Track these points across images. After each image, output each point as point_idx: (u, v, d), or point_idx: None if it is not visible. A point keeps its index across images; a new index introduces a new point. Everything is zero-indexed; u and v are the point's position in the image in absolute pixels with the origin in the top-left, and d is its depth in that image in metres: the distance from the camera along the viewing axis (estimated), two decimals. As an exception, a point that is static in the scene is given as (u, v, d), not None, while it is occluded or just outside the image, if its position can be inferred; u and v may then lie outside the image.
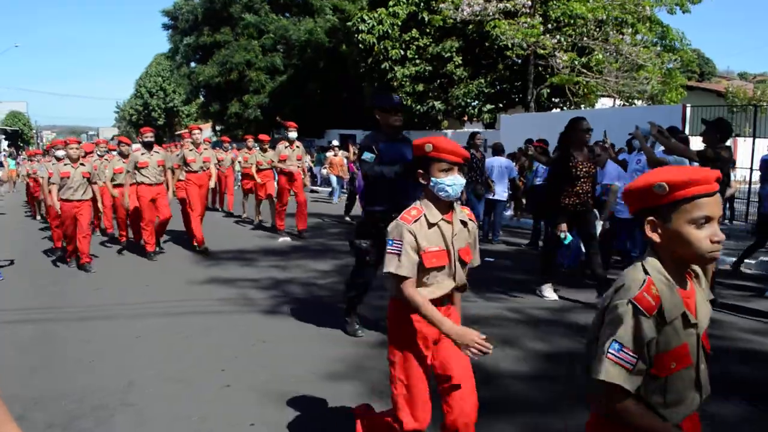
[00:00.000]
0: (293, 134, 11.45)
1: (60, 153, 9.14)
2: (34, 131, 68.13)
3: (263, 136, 13.78)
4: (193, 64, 34.56)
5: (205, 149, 10.74)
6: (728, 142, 6.84)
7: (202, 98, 36.32)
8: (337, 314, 6.39)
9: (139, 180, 9.50)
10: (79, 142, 10.10)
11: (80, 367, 4.99)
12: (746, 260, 8.64)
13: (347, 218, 14.10)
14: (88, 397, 4.35)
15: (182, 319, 6.31)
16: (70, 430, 3.87)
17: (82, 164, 8.95)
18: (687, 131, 12.41)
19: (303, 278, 8.08)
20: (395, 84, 20.92)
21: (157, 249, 10.00)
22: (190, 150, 10.36)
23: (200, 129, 10.38)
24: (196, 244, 10.18)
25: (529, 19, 17.69)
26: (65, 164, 8.81)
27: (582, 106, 20.24)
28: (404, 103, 20.50)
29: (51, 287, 8.02)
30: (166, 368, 4.95)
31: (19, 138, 55.76)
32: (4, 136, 51.23)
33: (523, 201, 14.07)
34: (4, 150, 18.07)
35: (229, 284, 7.54)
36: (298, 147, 11.65)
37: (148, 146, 9.68)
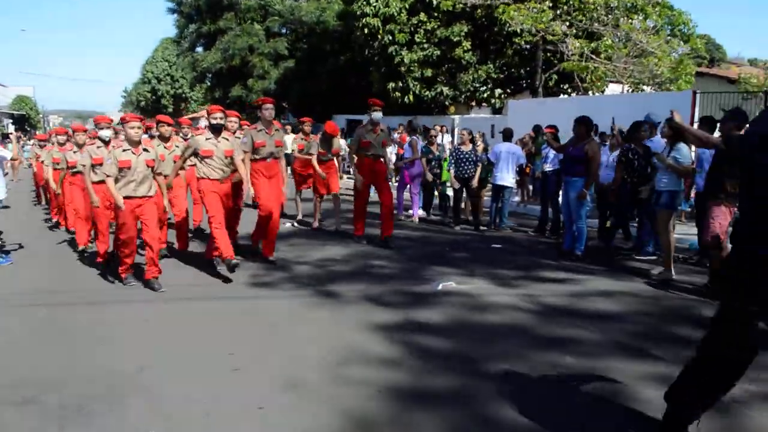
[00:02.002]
0: (378, 114, 9.20)
1: (106, 133, 7.99)
2: (41, 116, 68.15)
3: (307, 119, 11.60)
4: (199, 49, 34.47)
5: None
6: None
7: (208, 83, 36.26)
8: (346, 299, 6.43)
9: (204, 173, 7.42)
10: (86, 130, 9.65)
11: (91, 350, 5.03)
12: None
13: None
14: (100, 379, 4.39)
15: (192, 303, 6.35)
16: (82, 412, 3.91)
17: (145, 150, 7.03)
18: (696, 117, 12.34)
19: (314, 263, 8.09)
20: (402, 69, 20.82)
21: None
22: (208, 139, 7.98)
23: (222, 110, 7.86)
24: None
25: (538, 5, 17.57)
26: (124, 150, 6.87)
27: (590, 92, 20.15)
28: (413, 88, 20.49)
29: (60, 271, 8.06)
30: (177, 352, 4.98)
31: (25, 122, 55.81)
32: (11, 120, 51.30)
33: (530, 188, 14.05)
34: (12, 133, 17.98)
35: (239, 268, 7.55)
36: (383, 131, 9.48)
37: (217, 131, 7.49)
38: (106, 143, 7.91)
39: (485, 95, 21.45)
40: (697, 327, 5.62)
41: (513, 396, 4.11)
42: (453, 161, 10.93)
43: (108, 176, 6.79)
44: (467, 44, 20.18)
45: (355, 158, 9.90)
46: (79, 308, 6.25)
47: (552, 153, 9.82)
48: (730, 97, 14.62)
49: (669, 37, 18.38)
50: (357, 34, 22.02)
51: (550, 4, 17.92)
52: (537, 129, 13.21)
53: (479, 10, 19.70)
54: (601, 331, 5.45)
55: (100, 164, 7.37)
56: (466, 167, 10.70)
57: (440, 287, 6.85)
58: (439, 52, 20.59)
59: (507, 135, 11.42)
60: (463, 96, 21.61)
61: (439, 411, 3.90)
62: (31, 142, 25.44)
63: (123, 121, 7.01)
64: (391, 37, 20.70)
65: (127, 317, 5.96)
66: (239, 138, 8.28)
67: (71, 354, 4.96)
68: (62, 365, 4.71)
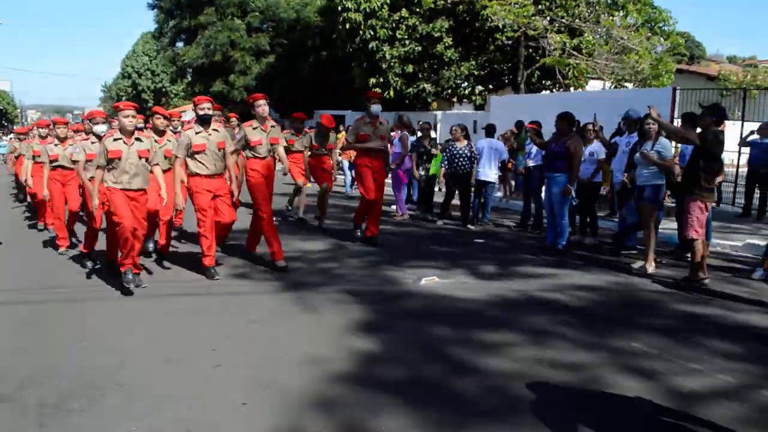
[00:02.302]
0: (377, 107, 8.82)
1: (101, 128, 7.42)
2: (19, 110, 67.31)
3: (300, 114, 11.26)
4: (180, 44, 34.19)
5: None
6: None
7: (189, 78, 35.98)
8: (328, 294, 6.42)
9: (194, 169, 7.03)
10: (67, 123, 9.55)
11: (72, 347, 4.97)
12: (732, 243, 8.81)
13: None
14: (80, 376, 4.34)
15: (173, 300, 6.28)
16: (61, 409, 3.86)
17: (138, 139, 6.61)
18: (676, 114, 12.45)
19: (296, 257, 8.05)
20: (384, 65, 20.78)
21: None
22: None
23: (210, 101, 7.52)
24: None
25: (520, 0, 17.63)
26: (115, 139, 6.50)
27: (572, 88, 20.26)
28: (393, 84, 20.47)
29: (40, 268, 7.95)
30: (157, 348, 4.93)
31: (2, 117, 55.10)
32: (-12, 116, 50.66)
33: (513, 183, 14.10)
34: None
35: (221, 265, 7.50)
36: (382, 124, 8.95)
37: (205, 122, 7.08)
38: (101, 138, 7.25)
39: (466, 92, 21.48)
40: (672, 319, 5.71)
41: (494, 390, 4.13)
42: (446, 157, 10.73)
43: (97, 167, 6.43)
44: (449, 40, 20.17)
45: (341, 153, 10.06)
46: (59, 305, 6.17)
47: (535, 148, 9.86)
48: (709, 94, 14.74)
49: (650, 34, 18.50)
50: (339, 29, 21.93)
51: (532, 0, 17.97)
52: (519, 125, 13.26)
53: (461, 6, 19.72)
54: (581, 325, 5.48)
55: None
56: (460, 163, 10.48)
57: (423, 282, 6.85)
58: (420, 48, 20.56)
59: (489, 131, 11.43)
60: (444, 92, 21.63)
61: (422, 405, 3.90)
62: (9, 136, 25.09)
63: (116, 110, 6.62)
64: (372, 33, 20.64)
65: (107, 314, 5.89)
66: (382, 126, 8.78)
67: (50, 351, 4.89)
68: (41, 362, 4.64)
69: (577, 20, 18.35)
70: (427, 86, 21.00)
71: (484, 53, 20.89)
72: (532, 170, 10.30)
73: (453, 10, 20.09)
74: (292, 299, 6.29)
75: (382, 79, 21.04)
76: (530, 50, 20.02)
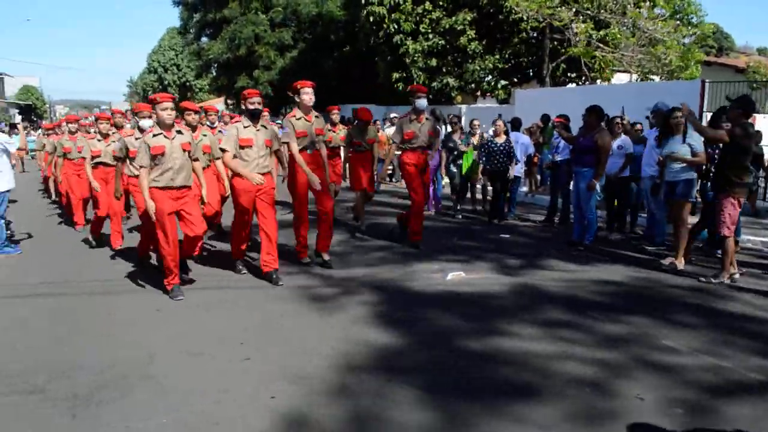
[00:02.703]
0: (422, 102, 8.22)
1: (147, 123, 7.06)
2: (47, 105, 68.22)
3: (334, 107, 10.75)
4: (204, 39, 34.34)
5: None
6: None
7: (213, 73, 36.15)
8: (353, 288, 6.42)
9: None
10: (109, 118, 9.28)
11: (102, 340, 5.04)
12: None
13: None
14: (110, 369, 4.40)
15: (202, 294, 6.33)
16: (93, 400, 3.92)
17: (179, 131, 6.32)
18: (705, 107, 12.26)
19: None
20: (408, 59, 20.70)
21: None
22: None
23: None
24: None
25: (545, -10, 17.44)
26: (155, 135, 6.16)
27: (598, 81, 20.03)
28: (417, 79, 20.38)
29: (70, 261, 8.06)
30: (187, 341, 4.98)
31: (32, 112, 55.88)
32: (17, 111, 51.40)
33: (538, 177, 13.99)
34: (19, 124, 17.90)
35: (250, 260, 7.54)
36: (428, 120, 8.45)
37: (255, 116, 6.68)
38: (143, 131, 7.22)
39: (491, 86, 21.34)
40: (701, 315, 5.62)
41: (519, 385, 4.11)
42: (484, 153, 10.36)
43: (141, 167, 6.02)
44: (472, 33, 20.00)
45: (391, 152, 9.73)
46: (90, 298, 6.26)
47: (563, 143, 9.75)
48: (739, 86, 14.50)
49: (678, 23, 18.20)
50: (363, 23, 21.86)
51: (557, -10, 17.77)
52: (545, 118, 13.14)
53: (485, -2, 19.56)
54: (608, 320, 5.43)
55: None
56: (499, 159, 10.19)
57: (449, 277, 6.83)
58: (444, 42, 20.43)
59: (515, 125, 11.34)
60: (468, 86, 21.48)
61: (446, 398, 3.89)
62: (38, 132, 25.41)
63: (153, 102, 6.32)
64: (396, 26, 20.56)
65: (136, 307, 5.96)
66: (429, 121, 8.35)
67: (82, 343, 4.97)
68: (73, 354, 4.71)
69: (603, 11, 18.11)
70: (451, 80, 20.87)
71: (509, 46, 20.71)
72: (560, 165, 10.18)
73: (476, 2, 19.93)
74: (319, 294, 6.31)
75: (405, 74, 20.96)
76: (555, 42, 19.81)
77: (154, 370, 4.38)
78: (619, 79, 22.40)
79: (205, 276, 7.04)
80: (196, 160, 6.50)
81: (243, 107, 6.76)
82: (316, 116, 7.35)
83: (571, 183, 9.24)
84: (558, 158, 10.23)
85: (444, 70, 20.87)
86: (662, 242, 8.37)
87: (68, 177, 10.10)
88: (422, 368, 4.42)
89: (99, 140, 8.88)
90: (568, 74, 21.11)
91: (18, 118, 43.96)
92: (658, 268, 7.32)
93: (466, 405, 3.83)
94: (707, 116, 8.50)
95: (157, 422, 3.64)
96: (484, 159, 10.41)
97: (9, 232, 8.96)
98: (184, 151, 6.24)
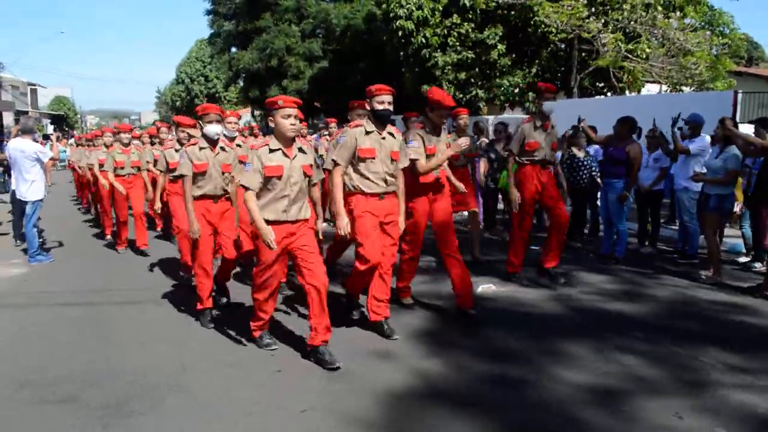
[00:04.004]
0: (550, 105, 6.99)
1: (213, 129, 5.76)
2: (78, 116, 69.41)
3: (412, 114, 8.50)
4: (233, 50, 34.71)
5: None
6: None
7: (241, 83, 36.50)
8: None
9: (357, 185, 5.22)
10: (169, 126, 9.46)
11: (133, 349, 5.06)
12: None
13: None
14: (141, 378, 4.41)
15: (232, 303, 6.33)
16: (124, 410, 3.92)
17: (222, 149, 5.81)
18: (738, 118, 12.06)
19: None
20: (437, 72, 20.69)
21: None
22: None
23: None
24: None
25: (574, 2, 17.34)
26: (201, 147, 5.74)
27: (626, 92, 19.84)
28: (447, 91, 20.33)
29: (100, 270, 8.15)
30: (217, 351, 4.98)
31: (63, 122, 56.87)
32: (49, 121, 52.36)
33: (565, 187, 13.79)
34: (53, 134, 18.17)
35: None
36: (553, 127, 7.06)
37: (382, 120, 5.27)
38: (182, 143, 7.09)
39: (519, 97, 21.25)
40: (740, 331, 5.48)
41: (554, 402, 4.03)
42: (566, 168, 9.40)
43: (247, 189, 4.56)
44: (502, 47, 19.95)
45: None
46: (119, 307, 6.31)
47: (592, 151, 9.62)
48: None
49: (709, 34, 17.99)
50: (390, 37, 21.90)
51: (586, 2, 17.66)
52: (575, 129, 12.99)
53: (513, 12, 19.49)
54: (644, 336, 5.30)
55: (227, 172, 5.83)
56: (581, 175, 9.39)
57: (480, 290, 6.76)
58: (473, 55, 20.40)
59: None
60: (497, 99, 21.40)
61: (481, 415, 3.83)
62: (71, 142, 25.80)
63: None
64: (424, 40, 20.57)
65: (165, 316, 5.99)
66: (554, 129, 7.04)
67: (112, 352, 4.99)
68: (103, 364, 4.74)
69: (632, 23, 17.96)
70: (480, 92, 20.83)
71: (538, 60, 20.62)
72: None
73: (506, 16, 19.88)
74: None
75: (435, 85, 20.96)
76: (583, 54, 19.68)
77: (185, 381, 4.38)
78: (649, 90, 22.17)
79: (233, 285, 6.98)
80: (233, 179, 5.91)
81: (369, 106, 5.22)
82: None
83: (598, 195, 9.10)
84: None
85: (473, 81, 20.83)
86: (695, 255, 8.21)
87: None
88: (459, 385, 4.35)
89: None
90: (597, 85, 20.95)
91: (50, 129, 44.81)
92: (695, 281, 7.18)
93: (507, 425, 3.77)
94: (741, 127, 8.33)
95: (188, 433, 3.64)
96: (566, 173, 9.12)
97: (41, 240, 9.08)
98: (224, 173, 5.81)
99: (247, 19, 31.69)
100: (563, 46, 20.18)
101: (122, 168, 9.20)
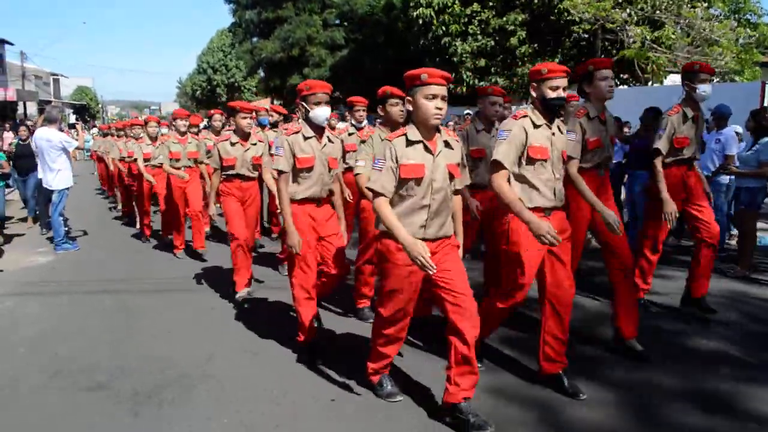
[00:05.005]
0: (706, 89, 5.24)
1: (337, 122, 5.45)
2: (100, 105, 69.99)
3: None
4: (255, 39, 34.76)
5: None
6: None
7: (261, 73, 36.58)
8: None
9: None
10: (159, 121, 9.38)
11: (161, 338, 5.11)
12: None
13: None
14: (171, 367, 4.45)
15: (259, 292, 6.35)
16: (155, 398, 3.96)
17: (329, 139, 4.75)
18: (766, 109, 11.88)
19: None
20: (456, 60, 20.58)
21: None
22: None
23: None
24: None
25: (599, -9, 17.13)
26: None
27: (650, 82, 19.62)
28: (467, 79, 20.25)
29: (127, 258, 8.23)
30: (245, 340, 5.02)
31: (86, 112, 57.37)
32: (72, 110, 52.84)
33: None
34: (78, 123, 18.32)
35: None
36: (703, 117, 5.64)
37: (555, 111, 3.93)
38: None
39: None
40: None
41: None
42: None
43: (378, 194, 3.44)
44: (522, 34, 19.79)
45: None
46: (147, 296, 6.37)
47: (618, 144, 9.53)
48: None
49: (735, 24, 17.70)
50: (410, 26, 21.82)
51: (611, -9, 17.45)
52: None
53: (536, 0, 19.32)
54: (686, 333, 5.25)
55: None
56: None
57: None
58: (493, 43, 20.26)
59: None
60: (516, 87, 21.25)
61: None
62: (93, 131, 25.97)
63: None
64: (444, 28, 20.46)
65: (192, 305, 6.03)
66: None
67: (141, 341, 5.04)
68: (133, 352, 4.79)
69: (657, 12, 17.73)
70: (500, 80, 20.69)
71: (560, 48, 20.43)
72: (613, 168, 9.89)
73: (528, 3, 19.71)
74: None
75: (454, 74, 20.84)
76: (607, 44, 19.47)
77: (213, 370, 4.41)
78: (673, 80, 21.89)
79: (260, 275, 7.01)
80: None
81: (534, 93, 3.90)
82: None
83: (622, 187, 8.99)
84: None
85: (493, 70, 20.69)
86: (721, 249, 8.06)
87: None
88: (513, 384, 4.29)
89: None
90: (620, 76, 20.73)
91: (72, 118, 45.23)
92: (723, 276, 6.97)
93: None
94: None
95: (218, 423, 3.66)
96: None
97: (66, 228, 9.18)
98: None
99: (270, 8, 31.71)
100: (587, 35, 19.97)
101: (178, 160, 8.07)
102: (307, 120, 4.52)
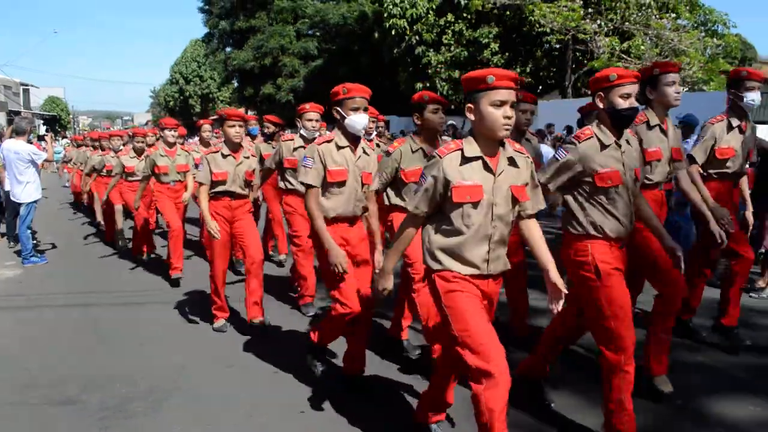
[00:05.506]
0: (755, 96, 4.72)
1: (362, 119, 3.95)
2: (71, 116, 69.16)
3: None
4: (228, 49, 34.73)
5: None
6: None
7: (235, 83, 36.55)
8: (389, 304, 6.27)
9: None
10: (145, 134, 8.58)
11: (131, 351, 5.05)
12: None
13: None
14: (140, 380, 4.40)
15: (230, 304, 6.27)
16: (124, 412, 3.91)
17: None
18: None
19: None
20: (430, 71, 20.74)
21: None
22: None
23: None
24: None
25: (569, 3, 17.42)
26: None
27: (621, 92, 19.94)
28: (440, 89, 20.40)
29: (96, 271, 8.13)
30: (216, 352, 4.98)
31: (56, 123, 56.64)
32: (42, 122, 52.14)
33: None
34: (48, 135, 18.03)
35: (279, 269, 7.52)
36: (754, 129, 5.20)
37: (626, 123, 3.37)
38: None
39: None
40: None
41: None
42: None
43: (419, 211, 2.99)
44: (495, 46, 20.02)
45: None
46: (116, 308, 6.29)
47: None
48: (766, 97, 14.29)
49: (703, 34, 18.09)
50: (383, 36, 21.96)
51: (581, 3, 17.74)
52: (569, 130, 13.10)
53: (508, 12, 19.55)
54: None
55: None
56: None
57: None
58: (467, 54, 20.45)
59: (541, 136, 11.30)
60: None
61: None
62: (63, 142, 25.60)
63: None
64: (418, 38, 20.62)
65: (164, 317, 5.97)
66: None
67: (110, 354, 4.99)
68: (102, 365, 4.73)
69: (627, 23, 18.06)
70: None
71: (532, 59, 20.68)
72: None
73: (501, 15, 19.94)
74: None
75: (428, 84, 21.00)
76: (578, 54, 19.76)
77: (184, 382, 4.37)
78: (643, 90, 22.26)
79: (232, 286, 6.92)
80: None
81: (600, 105, 3.39)
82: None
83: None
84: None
85: (467, 81, 20.90)
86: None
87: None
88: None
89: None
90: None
91: (42, 129, 44.62)
92: (752, 290, 6.59)
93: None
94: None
95: (189, 435, 3.63)
96: None
97: (35, 241, 9.05)
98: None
99: (243, 18, 31.75)
100: (558, 46, 20.27)
101: (166, 174, 7.38)
102: (342, 128, 3.96)
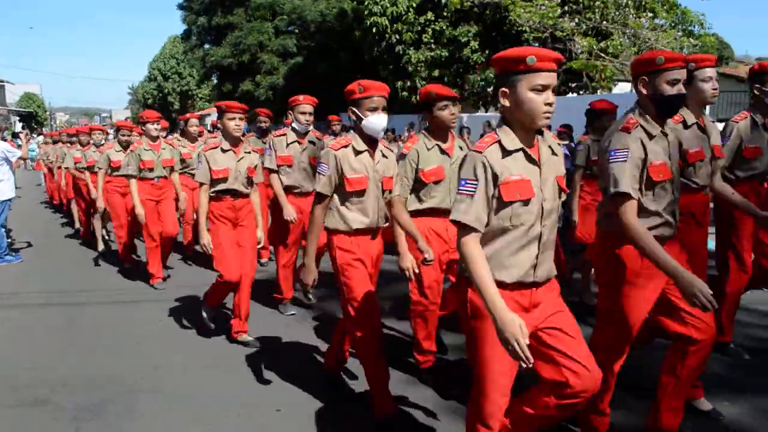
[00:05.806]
0: None
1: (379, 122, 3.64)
2: (48, 113, 68.32)
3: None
4: (206, 46, 34.48)
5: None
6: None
7: (215, 80, 36.32)
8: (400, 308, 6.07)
9: None
10: (132, 128, 8.29)
11: (106, 351, 5.00)
12: None
13: None
14: (116, 381, 4.35)
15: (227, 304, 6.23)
16: (99, 413, 3.87)
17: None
18: (710, 117, 12.25)
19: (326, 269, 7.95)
20: (410, 69, 20.75)
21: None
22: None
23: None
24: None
25: (547, 1, 17.51)
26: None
27: (599, 91, 20.08)
28: (419, 87, 20.39)
29: (72, 271, 8.04)
30: (192, 353, 4.95)
31: (33, 120, 55.93)
32: (18, 118, 51.45)
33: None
34: (22, 132, 17.87)
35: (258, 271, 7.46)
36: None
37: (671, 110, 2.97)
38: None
39: (490, 98, 21.38)
40: None
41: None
42: None
43: (469, 229, 2.48)
44: (475, 44, 20.07)
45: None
46: (93, 308, 6.23)
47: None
48: (743, 96, 14.49)
49: (680, 34, 18.27)
50: (363, 34, 21.92)
51: (559, 1, 17.82)
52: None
53: (488, 11, 19.60)
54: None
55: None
56: None
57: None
58: (447, 53, 20.49)
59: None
60: (471, 97, 21.52)
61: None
62: (38, 139, 25.33)
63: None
64: (398, 37, 20.62)
65: (139, 317, 5.92)
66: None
67: (86, 354, 4.93)
68: (76, 365, 4.68)
69: (605, 22, 18.18)
70: (455, 90, 20.93)
71: (511, 58, 20.78)
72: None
73: (480, 14, 19.99)
74: (326, 306, 6.24)
75: (408, 83, 21.01)
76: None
77: (159, 382, 4.34)
78: (621, 88, 22.45)
79: (207, 285, 6.89)
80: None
81: (644, 91, 3.06)
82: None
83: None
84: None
85: (447, 80, 20.92)
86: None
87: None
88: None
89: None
90: (569, 84, 21.17)
91: (18, 126, 44.05)
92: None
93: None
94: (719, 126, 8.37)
95: (163, 436, 3.60)
96: None
97: (9, 240, 8.93)
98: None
99: (220, 14, 31.55)
100: (537, 45, 20.35)
101: (151, 170, 6.91)
102: (358, 130, 3.61)
